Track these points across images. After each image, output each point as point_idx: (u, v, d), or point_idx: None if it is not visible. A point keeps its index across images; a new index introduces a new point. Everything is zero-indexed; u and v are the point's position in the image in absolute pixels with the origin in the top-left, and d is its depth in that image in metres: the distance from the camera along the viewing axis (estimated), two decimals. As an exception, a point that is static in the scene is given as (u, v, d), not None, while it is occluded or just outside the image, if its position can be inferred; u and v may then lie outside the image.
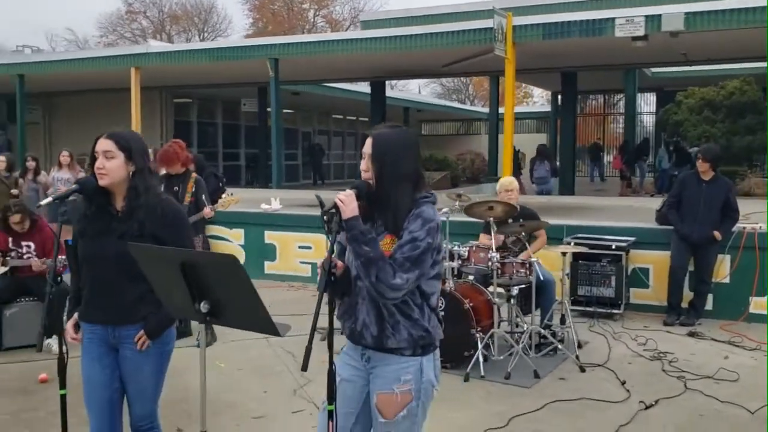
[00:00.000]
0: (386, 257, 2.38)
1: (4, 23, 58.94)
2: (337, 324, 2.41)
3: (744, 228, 6.82)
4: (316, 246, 8.60)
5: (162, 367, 2.94)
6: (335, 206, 2.39)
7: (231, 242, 9.29)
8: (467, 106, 40.08)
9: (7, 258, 5.77)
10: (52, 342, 5.72)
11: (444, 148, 28.54)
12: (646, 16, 10.87)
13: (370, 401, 2.57)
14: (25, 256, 5.79)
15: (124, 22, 45.55)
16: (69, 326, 2.90)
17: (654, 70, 20.05)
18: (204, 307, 2.22)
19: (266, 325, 2.12)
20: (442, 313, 5.34)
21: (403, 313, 2.47)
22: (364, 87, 21.26)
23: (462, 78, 44.14)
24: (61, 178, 9.54)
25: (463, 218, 6.24)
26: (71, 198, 2.68)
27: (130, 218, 2.76)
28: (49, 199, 2.71)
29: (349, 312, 2.54)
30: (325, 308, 2.34)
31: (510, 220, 5.77)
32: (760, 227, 6.83)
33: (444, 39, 12.28)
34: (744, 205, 8.85)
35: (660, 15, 10.77)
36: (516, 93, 47.03)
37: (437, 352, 2.61)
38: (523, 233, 5.75)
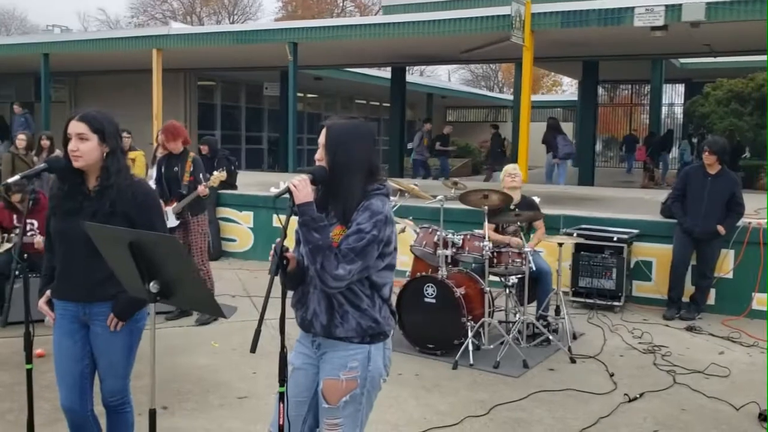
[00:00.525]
0: (333, 247, 2.41)
1: (38, 3, 59.76)
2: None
3: (749, 223, 6.72)
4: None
5: (132, 344, 3.01)
6: (288, 190, 2.43)
7: (241, 224, 9.40)
8: (494, 93, 39.74)
9: (12, 235, 5.92)
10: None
11: (471, 135, 28.44)
12: (666, 6, 10.66)
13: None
14: (29, 234, 5.93)
15: (155, 3, 45.97)
16: (41, 303, 2.98)
17: (682, 60, 19.68)
18: (153, 287, 2.27)
19: (211, 307, 2.17)
20: (433, 300, 5.38)
21: (352, 303, 2.51)
22: (387, 72, 21.21)
23: (491, 65, 43.79)
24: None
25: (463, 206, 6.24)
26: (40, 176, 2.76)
27: (101, 197, 2.83)
28: (17, 177, 2.78)
29: (301, 301, 2.59)
30: (276, 292, 2.40)
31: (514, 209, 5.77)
32: (766, 223, 6.72)
33: (462, 25, 12.19)
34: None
35: (680, 5, 10.55)
36: (545, 81, 46.62)
37: (388, 341, 2.64)
38: (519, 223, 5.73)
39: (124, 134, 9.62)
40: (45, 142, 9.61)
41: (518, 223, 5.87)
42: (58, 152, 9.74)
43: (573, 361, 5.36)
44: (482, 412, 4.36)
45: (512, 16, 11.07)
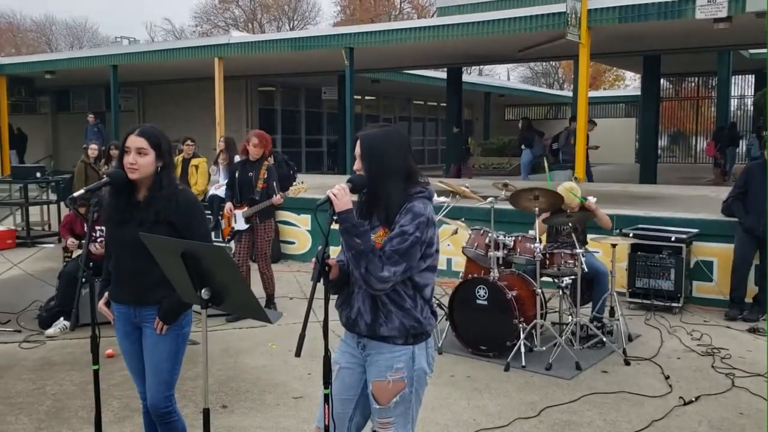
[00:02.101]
0: (376, 250, 2.51)
1: (107, 15, 62.15)
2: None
3: (817, 221, 6.49)
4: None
5: (178, 350, 3.14)
6: (328, 200, 2.53)
7: (299, 227, 9.62)
8: (552, 90, 39.19)
9: (83, 242, 6.24)
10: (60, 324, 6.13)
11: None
12: (730, -3, 10.36)
13: (367, 388, 2.71)
14: (99, 240, 6.25)
15: (218, 12, 47.20)
16: (101, 304, 3.19)
17: (752, 51, 18.99)
18: (205, 294, 2.42)
19: (258, 313, 2.30)
20: (485, 302, 5.42)
21: (396, 303, 2.59)
22: (444, 73, 21.22)
23: (552, 62, 43.17)
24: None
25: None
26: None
27: (148, 207, 3.01)
28: (82, 191, 2.98)
29: (346, 302, 2.69)
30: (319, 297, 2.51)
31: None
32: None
33: (517, 24, 12.12)
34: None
35: (745, -5, 10.25)
36: (606, 76, 45.66)
37: (430, 341, 2.71)
38: (570, 224, 5.71)
39: (188, 142, 10.00)
40: (114, 152, 10.02)
41: (570, 225, 5.84)
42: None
43: (627, 363, 5.31)
44: (532, 414, 4.38)
45: (567, 13, 10.95)
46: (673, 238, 6.75)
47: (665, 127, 28.86)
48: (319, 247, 2.51)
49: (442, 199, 6.19)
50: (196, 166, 10.05)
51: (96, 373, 2.98)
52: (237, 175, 6.70)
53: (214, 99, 15.51)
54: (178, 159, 10.03)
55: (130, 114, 22.02)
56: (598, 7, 11.26)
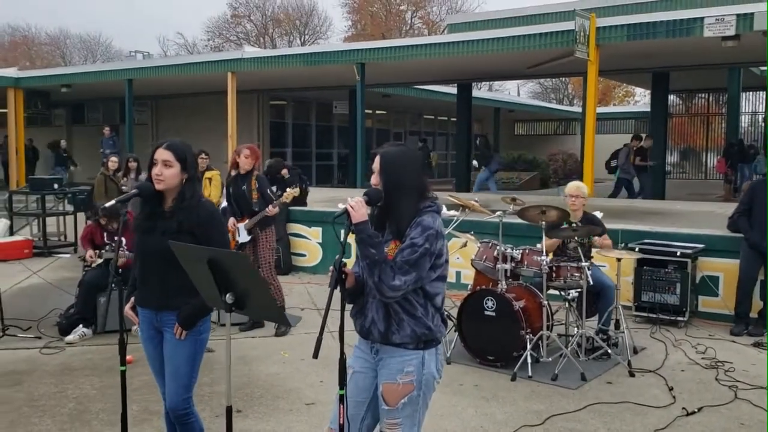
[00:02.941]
0: (389, 260, 2.67)
1: (121, 29, 62.93)
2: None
3: (820, 237, 6.59)
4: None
5: (197, 354, 3.30)
6: (346, 211, 2.70)
7: (310, 240, 9.78)
8: (562, 106, 39.38)
9: (103, 251, 6.43)
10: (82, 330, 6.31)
11: (540, 148, 28.31)
12: (737, 15, 10.49)
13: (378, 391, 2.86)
14: (120, 250, 6.44)
15: (230, 26, 47.73)
16: (127, 308, 3.36)
17: (762, 68, 19.09)
18: (229, 298, 2.58)
19: (279, 317, 2.45)
20: (493, 313, 5.56)
21: (407, 311, 2.75)
22: (454, 88, 21.45)
23: (561, 78, 43.38)
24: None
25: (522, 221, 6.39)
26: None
27: (172, 217, 3.19)
28: (113, 201, 3.16)
29: (361, 311, 2.85)
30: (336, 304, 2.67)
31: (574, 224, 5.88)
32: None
33: (526, 42, 12.31)
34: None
35: (752, 14, 10.38)
36: (616, 92, 45.82)
37: (440, 347, 2.87)
38: (578, 238, 5.83)
39: (202, 155, 10.20)
40: (132, 164, 10.29)
41: (577, 239, 5.96)
42: (144, 174, 10.41)
43: (632, 374, 5.42)
44: (538, 422, 4.50)
45: (576, 31, 11.14)
46: (678, 253, 6.87)
47: (675, 143, 28.92)
48: (337, 257, 2.67)
49: (452, 213, 6.34)
50: (210, 179, 10.23)
51: (123, 374, 3.13)
52: (231, 190, 6.85)
53: (226, 112, 15.78)
54: (192, 172, 10.23)
55: (144, 127, 22.35)
56: (606, 25, 11.44)
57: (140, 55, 27.12)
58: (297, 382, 5.26)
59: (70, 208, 11.81)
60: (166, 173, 3.19)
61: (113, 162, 10.01)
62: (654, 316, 6.89)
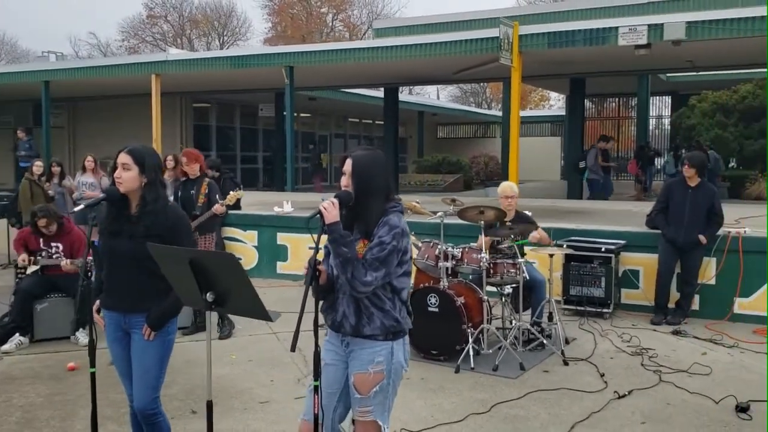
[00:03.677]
0: (359, 258, 2.83)
1: (28, 29, 60.25)
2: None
3: (729, 232, 7.17)
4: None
5: (165, 355, 3.38)
6: (319, 212, 2.84)
7: (245, 243, 9.79)
8: (482, 110, 40.42)
9: (38, 257, 6.29)
10: (79, 335, 6.25)
11: (461, 150, 28.98)
12: (649, 25, 11.14)
13: (348, 381, 3.02)
14: (54, 256, 6.31)
15: (145, 27, 46.51)
16: (93, 310, 3.38)
17: (669, 74, 20.25)
18: (210, 297, 2.68)
19: (260, 312, 2.58)
20: (436, 309, 5.79)
21: (376, 305, 2.92)
22: (379, 91, 21.72)
23: (483, 83, 44.47)
24: (85, 182, 10.06)
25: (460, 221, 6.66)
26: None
27: (139, 222, 3.25)
28: (81, 206, 3.20)
29: (332, 306, 3.00)
30: (311, 299, 2.81)
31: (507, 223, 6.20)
32: (744, 231, 7.17)
33: (451, 48, 12.67)
34: (750, 209, 9.24)
35: (662, 24, 11.06)
36: (532, 96, 47.36)
37: (407, 338, 3.05)
38: (512, 236, 6.15)
39: None
40: (55, 169, 10.01)
41: (512, 237, 6.28)
42: (68, 179, 10.12)
43: (566, 363, 5.77)
44: (484, 410, 4.75)
45: (500, 38, 11.57)
46: (603, 249, 7.32)
47: (588, 146, 30.17)
48: (311, 255, 2.81)
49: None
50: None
51: (93, 375, 3.15)
52: (179, 194, 6.84)
53: (147, 115, 15.45)
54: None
55: (60, 130, 21.57)
56: (528, 33, 11.93)
57: (53, 56, 26.13)
58: (248, 382, 5.33)
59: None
60: (125, 176, 3.24)
61: (38, 166, 9.71)
62: (582, 308, 7.31)
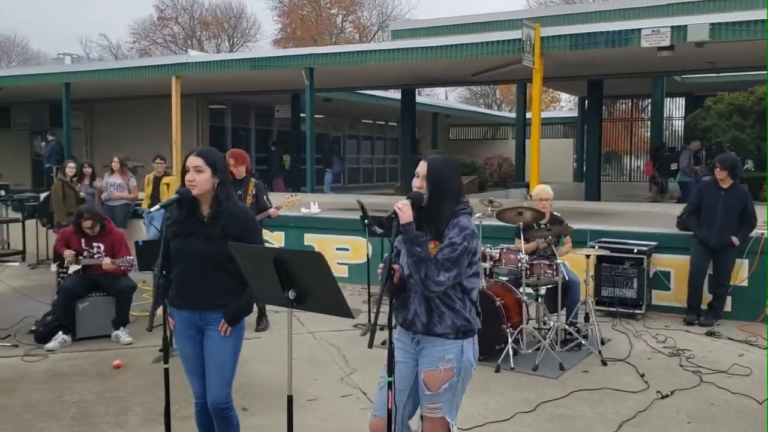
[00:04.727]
0: (432, 258, 2.89)
1: (39, 30, 60.54)
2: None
3: (762, 234, 7.19)
4: (354, 248, 9.12)
5: (237, 348, 3.47)
6: (394, 213, 2.90)
7: (272, 244, 9.84)
8: (494, 111, 40.42)
9: (80, 257, 6.37)
10: (120, 333, 6.34)
11: (473, 152, 29.02)
12: (672, 27, 11.17)
13: (418, 378, 3.08)
14: (95, 256, 6.39)
15: (156, 28, 46.71)
16: (159, 311, 3.45)
17: (684, 75, 20.22)
18: (291, 294, 2.74)
19: (340, 309, 2.64)
20: (476, 309, 5.83)
21: (447, 305, 2.99)
22: (394, 93, 21.77)
23: (501, 84, 44.42)
24: (113, 183, 10.16)
25: (496, 222, 6.71)
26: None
27: (214, 223, 3.31)
28: (157, 206, 3.26)
29: (403, 305, 3.06)
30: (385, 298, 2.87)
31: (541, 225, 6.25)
32: (771, 233, 7.20)
33: (473, 50, 12.72)
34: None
35: (686, 26, 11.07)
36: (543, 97, 47.31)
37: (476, 337, 3.11)
38: (550, 237, 6.20)
39: (158, 160, 10.11)
40: (87, 170, 10.11)
41: (549, 237, 6.33)
42: (98, 180, 10.21)
43: (604, 363, 5.81)
44: (529, 408, 4.80)
45: (523, 40, 11.62)
46: (635, 250, 7.35)
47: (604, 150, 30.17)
48: (386, 254, 2.88)
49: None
50: (168, 185, 10.15)
51: (166, 371, 3.22)
52: None
53: (164, 116, 15.57)
54: (149, 177, 10.14)
55: (78, 132, 21.70)
56: (551, 35, 11.97)
57: (68, 58, 26.28)
58: (294, 380, 5.36)
59: (13, 215, 11.45)
60: (198, 178, 3.30)
61: (71, 168, 9.81)
62: (614, 309, 7.34)
